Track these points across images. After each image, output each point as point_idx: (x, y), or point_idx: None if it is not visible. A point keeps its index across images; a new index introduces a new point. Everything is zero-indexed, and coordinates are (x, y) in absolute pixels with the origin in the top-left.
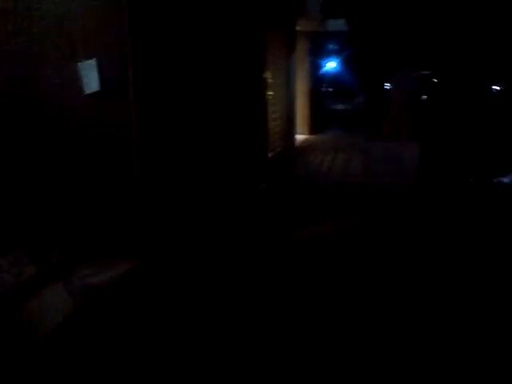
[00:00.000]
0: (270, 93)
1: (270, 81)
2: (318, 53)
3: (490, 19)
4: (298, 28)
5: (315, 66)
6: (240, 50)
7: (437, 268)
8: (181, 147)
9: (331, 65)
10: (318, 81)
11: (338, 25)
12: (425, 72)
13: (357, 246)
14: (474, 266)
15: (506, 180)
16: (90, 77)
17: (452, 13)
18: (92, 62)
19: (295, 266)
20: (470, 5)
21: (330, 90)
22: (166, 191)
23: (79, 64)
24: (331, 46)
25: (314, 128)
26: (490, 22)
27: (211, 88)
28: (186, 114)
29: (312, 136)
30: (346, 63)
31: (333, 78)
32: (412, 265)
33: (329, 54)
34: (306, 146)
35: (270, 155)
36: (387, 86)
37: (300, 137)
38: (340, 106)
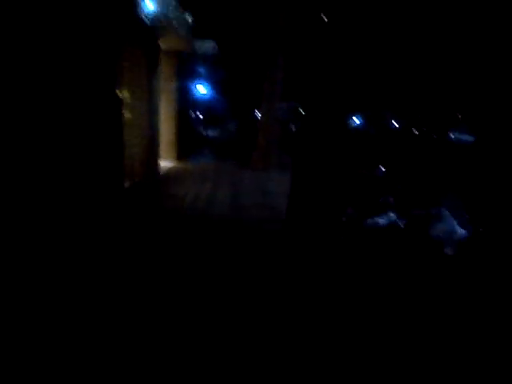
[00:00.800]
0: (128, 115)
1: (126, 101)
2: (188, 75)
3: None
4: (162, 46)
5: (184, 89)
6: (80, 64)
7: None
8: None
9: (203, 89)
10: (187, 104)
11: (206, 46)
12: (294, 103)
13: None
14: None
15: (382, 221)
16: None
17: (313, 49)
18: None
19: None
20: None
21: (201, 115)
22: None
23: None
24: (203, 70)
25: (181, 155)
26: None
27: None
28: None
29: (179, 163)
30: (218, 88)
31: (204, 103)
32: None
33: (200, 78)
34: (170, 175)
35: (126, 185)
36: (258, 114)
37: (165, 164)
38: (210, 132)
